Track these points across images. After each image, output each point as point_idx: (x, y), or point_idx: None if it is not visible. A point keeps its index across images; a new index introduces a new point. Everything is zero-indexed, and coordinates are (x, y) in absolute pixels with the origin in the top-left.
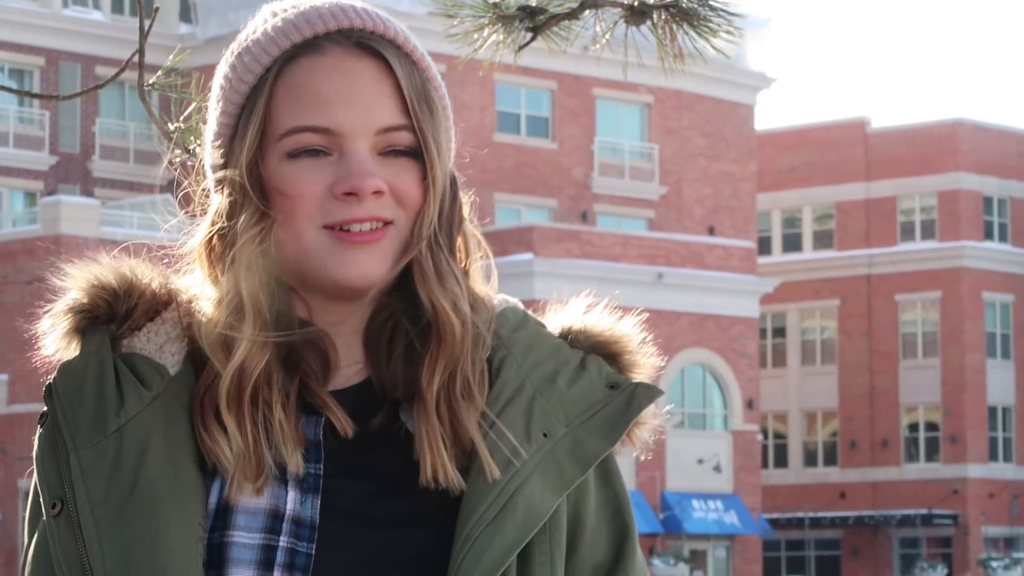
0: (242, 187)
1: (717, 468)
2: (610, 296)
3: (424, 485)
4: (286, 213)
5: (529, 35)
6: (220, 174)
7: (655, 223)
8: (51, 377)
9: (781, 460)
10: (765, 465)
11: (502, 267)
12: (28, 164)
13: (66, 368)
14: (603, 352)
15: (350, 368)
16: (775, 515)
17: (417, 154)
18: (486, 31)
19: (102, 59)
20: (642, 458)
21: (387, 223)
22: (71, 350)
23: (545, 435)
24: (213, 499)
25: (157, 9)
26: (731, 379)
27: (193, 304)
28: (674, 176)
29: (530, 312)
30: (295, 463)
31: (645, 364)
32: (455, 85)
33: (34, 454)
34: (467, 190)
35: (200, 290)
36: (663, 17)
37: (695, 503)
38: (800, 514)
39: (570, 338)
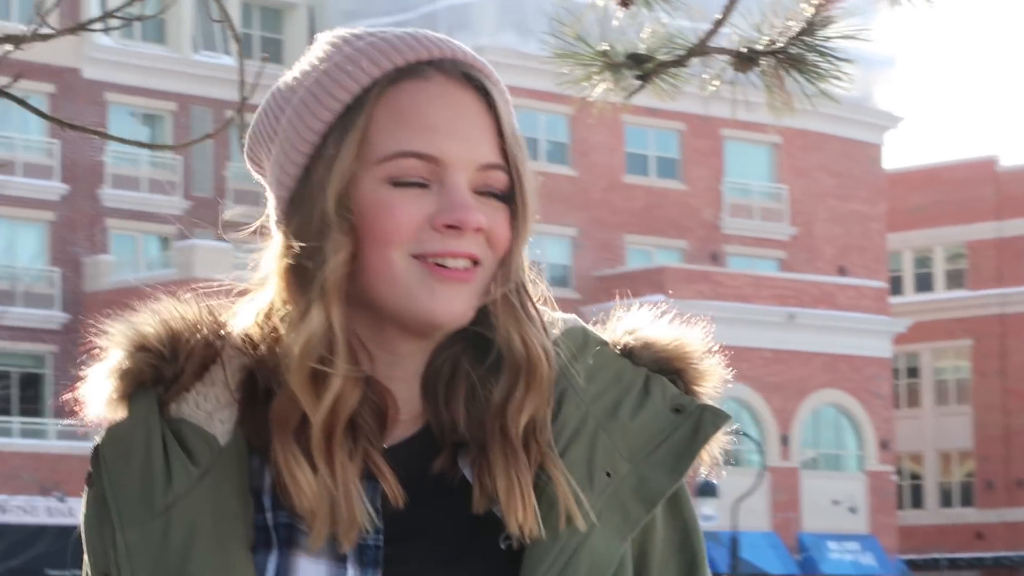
0: (337, 209)
1: (853, 509)
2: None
3: (507, 535)
4: (379, 239)
5: (638, 82)
6: (323, 194)
7: (786, 264)
8: (98, 439)
9: (917, 501)
10: (901, 506)
11: None
12: (162, 208)
13: (114, 433)
14: (667, 368)
15: (408, 419)
16: (912, 556)
17: (506, 197)
18: (595, 78)
19: (232, 103)
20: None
21: (476, 263)
22: (118, 414)
23: (608, 475)
24: None
25: (266, 58)
26: (865, 420)
27: (244, 343)
28: (804, 216)
29: (590, 328)
30: (356, 533)
31: (711, 376)
32: (584, 127)
33: (82, 515)
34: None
35: (264, 323)
36: (771, 63)
37: (831, 544)
38: (937, 555)
39: (633, 354)
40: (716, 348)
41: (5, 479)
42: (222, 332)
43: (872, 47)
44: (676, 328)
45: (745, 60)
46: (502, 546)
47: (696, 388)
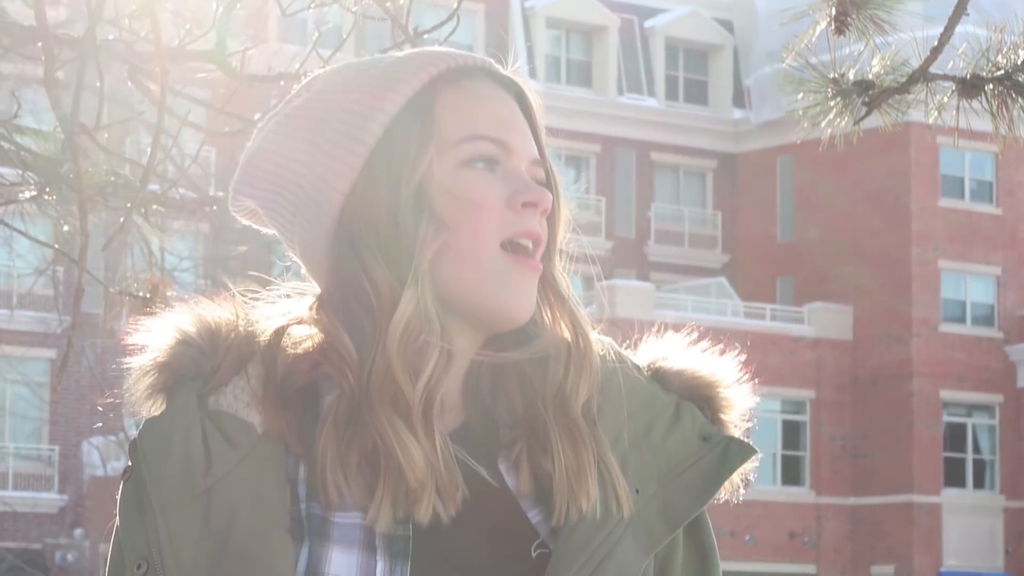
0: (416, 198)
1: None
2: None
3: (539, 544)
4: (467, 223)
5: (864, 108)
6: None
7: None
8: (137, 433)
9: None
10: None
11: None
12: (586, 249)
13: (152, 425)
14: (697, 395)
15: (448, 412)
16: None
17: None
18: (829, 104)
19: (656, 145)
20: (733, 503)
21: (538, 245)
22: (157, 407)
23: (637, 491)
24: (301, 567)
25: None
26: None
27: (277, 345)
28: None
29: (624, 351)
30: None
31: (738, 404)
32: (1010, 165)
33: (117, 510)
34: None
35: (311, 323)
36: (996, 91)
37: None
38: None
39: (664, 379)
40: (746, 377)
41: None
42: (257, 332)
43: None
44: (708, 356)
45: (969, 87)
46: (533, 555)
47: (722, 416)
